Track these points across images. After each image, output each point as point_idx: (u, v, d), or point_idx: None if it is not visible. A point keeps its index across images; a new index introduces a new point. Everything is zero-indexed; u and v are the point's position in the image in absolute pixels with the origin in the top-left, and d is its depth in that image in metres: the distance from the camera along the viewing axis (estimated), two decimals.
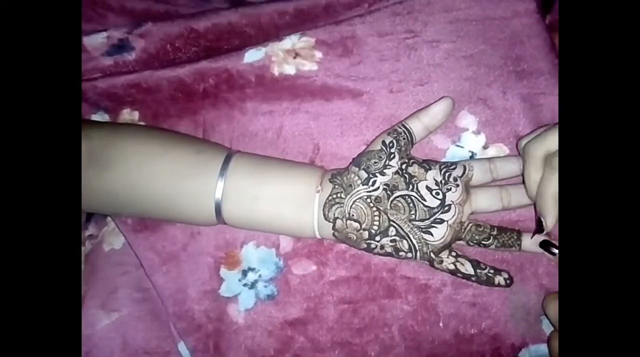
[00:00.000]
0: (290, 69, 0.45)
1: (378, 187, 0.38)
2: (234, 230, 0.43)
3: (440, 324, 0.39)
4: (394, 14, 0.44)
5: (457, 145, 0.43)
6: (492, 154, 0.42)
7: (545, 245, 0.38)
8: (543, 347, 0.38)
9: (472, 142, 0.43)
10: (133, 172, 0.39)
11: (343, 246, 0.42)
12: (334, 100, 0.44)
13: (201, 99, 0.46)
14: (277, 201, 0.39)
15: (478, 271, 0.38)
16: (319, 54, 0.45)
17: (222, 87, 0.46)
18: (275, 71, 0.45)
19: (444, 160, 0.42)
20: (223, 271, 0.42)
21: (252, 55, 0.46)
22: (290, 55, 0.45)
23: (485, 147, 0.43)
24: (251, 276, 0.42)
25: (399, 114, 0.43)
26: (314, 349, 0.41)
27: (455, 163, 0.40)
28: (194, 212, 0.40)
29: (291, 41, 0.46)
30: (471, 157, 0.42)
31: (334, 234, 0.39)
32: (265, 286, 0.42)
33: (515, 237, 0.39)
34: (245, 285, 0.42)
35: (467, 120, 0.43)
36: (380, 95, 0.44)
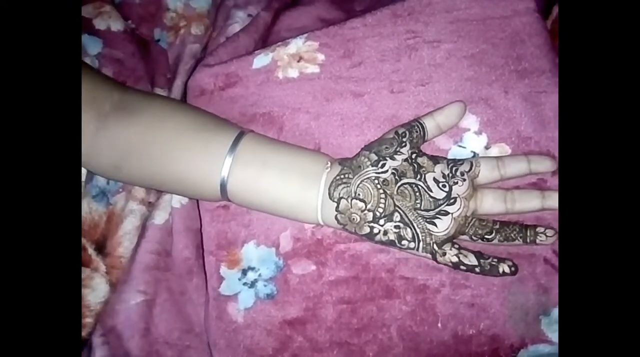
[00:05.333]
0: (293, 72, 0.46)
1: (387, 170, 0.39)
2: (235, 228, 0.43)
3: (439, 325, 0.39)
4: (394, 15, 0.45)
5: (459, 146, 0.43)
6: (495, 153, 0.42)
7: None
8: (542, 348, 0.37)
9: (474, 142, 0.42)
10: (156, 119, 0.42)
11: (342, 246, 0.42)
12: (335, 100, 0.45)
13: (207, 100, 0.47)
14: (285, 170, 0.40)
15: (482, 260, 0.37)
16: (321, 57, 0.46)
17: (228, 90, 0.46)
18: (280, 75, 0.46)
19: None
20: (223, 270, 0.43)
21: (261, 61, 0.47)
22: (294, 59, 0.46)
23: (487, 147, 0.42)
24: (251, 275, 0.42)
25: (400, 114, 0.43)
26: (312, 349, 0.40)
27: (462, 159, 0.40)
28: (202, 172, 0.40)
29: (296, 45, 0.46)
30: (473, 157, 0.42)
31: (336, 217, 0.39)
32: (265, 285, 0.42)
33: (517, 230, 0.38)
34: (245, 284, 0.42)
35: (469, 120, 0.43)
36: (381, 95, 0.44)
